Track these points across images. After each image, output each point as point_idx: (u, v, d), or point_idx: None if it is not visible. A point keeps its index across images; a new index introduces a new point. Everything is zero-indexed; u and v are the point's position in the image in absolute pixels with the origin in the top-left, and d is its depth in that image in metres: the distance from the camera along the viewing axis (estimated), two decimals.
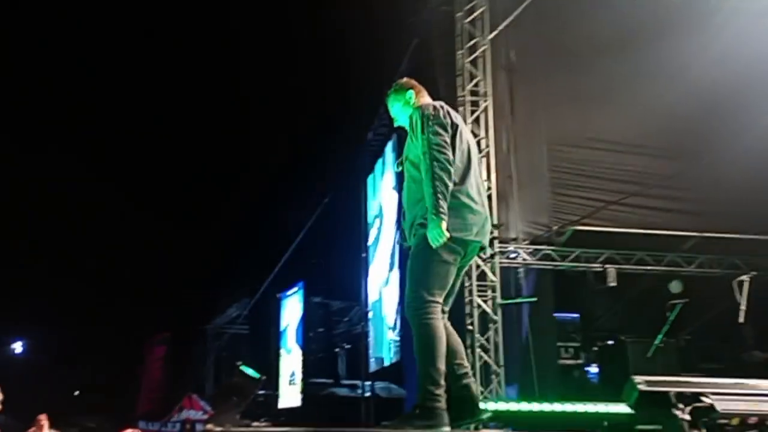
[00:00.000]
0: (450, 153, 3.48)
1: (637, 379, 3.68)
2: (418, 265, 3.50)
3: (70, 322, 20.35)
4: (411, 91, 3.87)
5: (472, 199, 3.55)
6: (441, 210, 3.36)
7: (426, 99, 3.87)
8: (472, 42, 8.46)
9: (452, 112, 3.69)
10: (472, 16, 8.48)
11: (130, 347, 19.62)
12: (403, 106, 3.88)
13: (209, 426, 2.91)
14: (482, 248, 3.72)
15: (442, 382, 3.37)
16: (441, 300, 3.47)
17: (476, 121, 8.35)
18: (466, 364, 3.57)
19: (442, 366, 3.39)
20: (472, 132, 8.25)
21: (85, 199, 18.74)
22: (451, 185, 3.43)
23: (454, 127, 3.60)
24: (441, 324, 3.44)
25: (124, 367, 19.97)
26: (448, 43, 8.58)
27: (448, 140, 3.52)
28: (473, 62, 8.42)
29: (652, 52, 8.41)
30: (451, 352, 3.52)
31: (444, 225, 3.35)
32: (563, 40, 8.52)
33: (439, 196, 3.37)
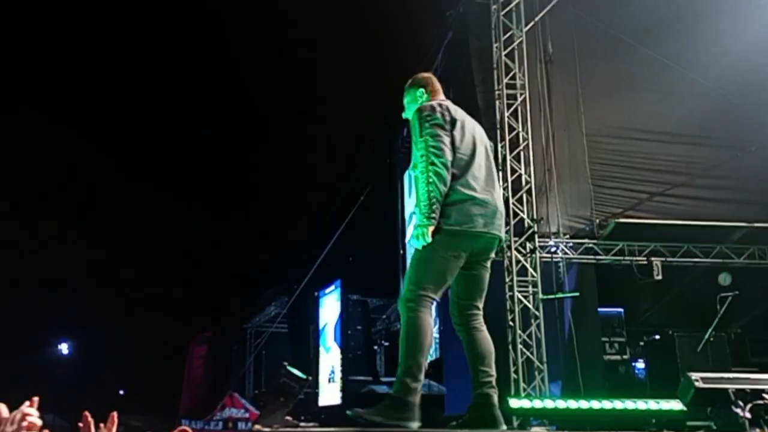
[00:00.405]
0: (447, 156, 3.41)
1: (694, 375, 3.55)
2: (415, 259, 3.46)
3: (114, 323, 20.76)
4: (422, 90, 3.81)
5: (475, 191, 3.48)
6: (433, 216, 3.33)
7: (438, 97, 3.78)
8: (507, 34, 8.34)
9: (452, 108, 3.61)
10: (507, 8, 8.36)
11: (172, 347, 19.91)
12: (411, 102, 3.83)
13: (257, 426, 2.89)
14: (500, 241, 3.62)
15: (421, 376, 3.32)
16: (435, 295, 3.42)
17: (513, 114, 8.23)
18: (493, 372, 3.48)
19: (423, 360, 3.33)
20: (509, 125, 8.18)
21: (128, 202, 19.09)
22: (445, 190, 3.38)
23: (454, 122, 3.52)
24: (429, 318, 3.39)
25: (167, 366, 20.27)
26: (484, 36, 8.47)
27: (447, 142, 3.45)
28: (509, 55, 8.31)
29: (689, 37, 8.24)
30: (478, 356, 3.47)
31: (431, 230, 3.33)
32: (599, 29, 8.37)
33: (433, 201, 3.34)
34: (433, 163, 3.37)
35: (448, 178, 3.40)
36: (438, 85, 3.87)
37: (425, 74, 3.94)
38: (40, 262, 20.27)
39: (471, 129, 3.64)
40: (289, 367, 3.04)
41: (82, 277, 20.57)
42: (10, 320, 20.97)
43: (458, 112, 3.63)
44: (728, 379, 3.63)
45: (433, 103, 3.63)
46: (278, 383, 3.05)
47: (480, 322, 3.56)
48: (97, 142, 18.53)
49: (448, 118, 3.51)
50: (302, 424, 3.20)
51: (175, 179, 19.70)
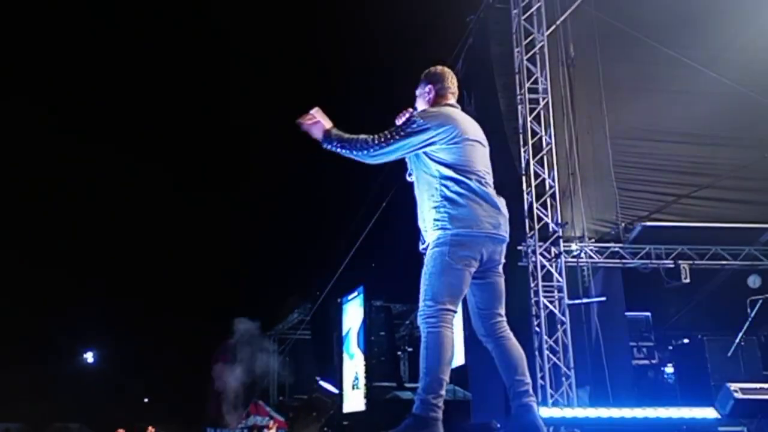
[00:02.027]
0: (380, 158, 3.44)
1: (732, 386, 3.48)
2: (428, 272, 3.40)
3: (139, 332, 20.93)
4: (430, 86, 3.67)
5: (483, 196, 3.44)
6: (334, 138, 3.46)
7: (446, 100, 3.64)
8: (529, 38, 8.29)
9: (457, 119, 3.52)
10: (528, 12, 8.31)
11: (196, 355, 20.04)
12: (420, 96, 3.71)
13: None
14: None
15: (442, 392, 3.27)
16: (454, 307, 3.37)
17: (536, 118, 8.19)
18: (528, 380, 3.43)
19: (444, 376, 3.29)
20: (532, 130, 8.14)
21: (152, 213, 19.28)
22: (353, 153, 3.45)
23: (459, 136, 3.45)
24: (450, 333, 3.34)
25: (192, 374, 20.40)
26: (505, 40, 8.44)
27: (400, 152, 3.46)
28: (531, 59, 8.26)
29: (713, 35, 8.18)
30: (511, 366, 3.42)
31: (320, 135, 3.50)
32: (621, 31, 8.30)
33: (346, 143, 3.44)
34: (377, 144, 3.41)
35: (360, 159, 3.46)
36: (449, 83, 3.70)
37: (439, 69, 3.75)
38: (65, 272, 20.53)
39: (475, 132, 3.59)
40: (321, 382, 3.01)
41: (108, 287, 20.80)
42: (37, 330, 21.25)
43: (462, 121, 3.55)
44: None
45: (433, 110, 3.54)
46: (310, 398, 3.03)
47: (506, 330, 3.52)
48: (123, 154, 18.81)
49: (450, 135, 3.43)
50: None
51: (199, 190, 19.88)
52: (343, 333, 15.15)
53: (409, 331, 15.30)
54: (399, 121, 3.67)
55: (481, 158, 3.56)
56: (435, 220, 3.42)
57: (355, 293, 14.52)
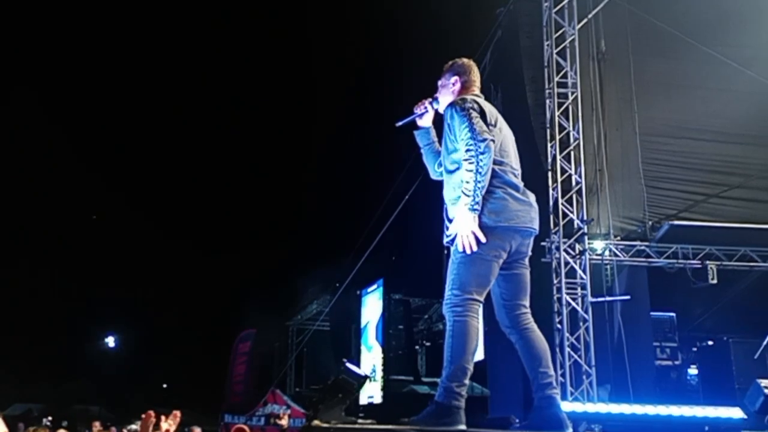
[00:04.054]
0: (492, 150, 3.29)
1: (763, 383, 3.41)
2: (456, 262, 3.38)
3: (159, 318, 21.18)
4: (456, 77, 3.63)
5: (516, 187, 3.42)
6: (476, 205, 3.24)
7: (472, 90, 3.62)
8: (559, 32, 8.21)
9: (485, 104, 3.50)
10: (559, 5, 8.24)
11: (215, 343, 20.22)
12: (444, 87, 3.66)
13: (316, 422, 2.88)
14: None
15: (466, 381, 3.27)
16: (480, 298, 3.36)
17: (564, 113, 8.10)
18: (551, 372, 3.41)
19: (469, 365, 3.28)
20: (559, 125, 8.07)
21: (179, 202, 19.47)
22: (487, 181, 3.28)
23: (488, 118, 3.42)
24: (475, 323, 3.32)
25: (210, 361, 20.59)
26: (535, 33, 8.36)
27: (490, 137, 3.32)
28: (561, 53, 8.18)
29: (747, 33, 8.02)
30: (535, 358, 3.40)
31: (476, 220, 3.24)
32: (654, 26, 8.19)
33: (478, 191, 3.23)
34: (482, 155, 3.25)
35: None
36: (475, 76, 3.70)
37: (465, 61, 3.74)
38: (89, 258, 20.82)
39: (503, 123, 3.59)
40: (348, 364, 3.02)
41: (131, 273, 21.05)
42: (60, 314, 21.59)
43: (491, 108, 3.55)
44: None
45: (468, 98, 3.48)
46: (336, 379, 3.03)
47: (530, 322, 3.50)
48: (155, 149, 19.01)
49: (487, 118, 3.42)
50: (360, 420, 3.18)
51: (223, 181, 20.03)
52: (362, 325, 15.16)
53: (427, 325, 15.27)
54: (418, 110, 3.70)
55: (514, 151, 3.55)
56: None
57: (375, 286, 14.52)
